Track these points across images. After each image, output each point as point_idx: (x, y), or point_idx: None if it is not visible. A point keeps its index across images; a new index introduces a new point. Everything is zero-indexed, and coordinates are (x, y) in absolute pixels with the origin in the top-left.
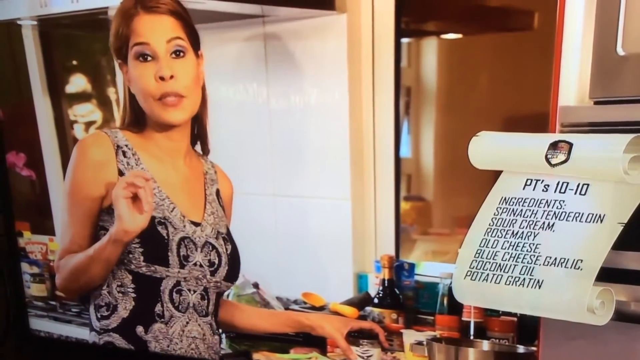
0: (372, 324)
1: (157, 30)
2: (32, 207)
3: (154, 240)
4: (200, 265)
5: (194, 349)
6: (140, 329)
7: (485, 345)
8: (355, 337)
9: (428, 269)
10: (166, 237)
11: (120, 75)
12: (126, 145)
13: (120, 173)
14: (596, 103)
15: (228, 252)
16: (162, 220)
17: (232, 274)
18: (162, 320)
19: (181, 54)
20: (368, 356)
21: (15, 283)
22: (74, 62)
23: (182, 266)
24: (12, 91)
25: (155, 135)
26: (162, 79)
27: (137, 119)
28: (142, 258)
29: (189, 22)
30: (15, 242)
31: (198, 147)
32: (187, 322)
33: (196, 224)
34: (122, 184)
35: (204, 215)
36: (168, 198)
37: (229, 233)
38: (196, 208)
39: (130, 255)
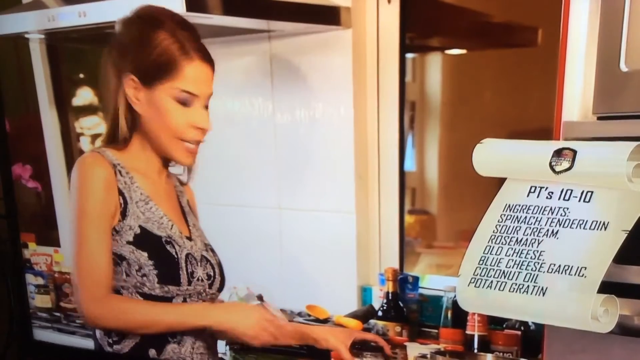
0: (375, 336)
1: (205, 84)
2: (37, 218)
3: (166, 261)
4: (201, 280)
5: None
6: (152, 352)
7: (489, 358)
8: (358, 349)
9: (432, 282)
10: (176, 256)
11: None
12: (119, 164)
13: (120, 192)
14: (599, 118)
15: (217, 262)
16: (169, 240)
17: (223, 283)
18: (175, 340)
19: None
20: None
21: (19, 294)
22: (81, 75)
23: (189, 283)
24: (19, 104)
25: (138, 152)
26: (199, 128)
27: (128, 137)
28: (156, 280)
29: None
30: (20, 253)
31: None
32: (195, 340)
33: (189, 239)
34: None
35: (189, 229)
36: (166, 216)
37: (209, 243)
38: (181, 222)
39: (144, 278)
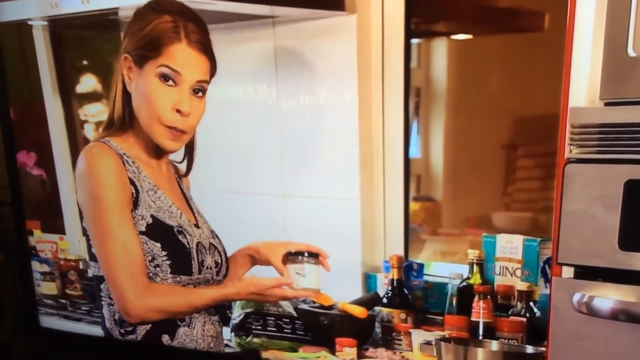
0: (308, 245)
1: (192, 66)
2: (42, 206)
3: (179, 251)
4: (210, 268)
5: (213, 347)
6: (166, 337)
7: (494, 345)
8: (294, 254)
9: (437, 269)
10: (188, 246)
11: None
12: (125, 154)
13: (131, 182)
14: (607, 104)
15: (223, 249)
16: (180, 229)
17: (227, 270)
18: (184, 323)
19: (200, 93)
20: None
21: (25, 281)
22: (84, 62)
23: (199, 272)
24: (23, 91)
25: (137, 139)
26: (179, 112)
27: (124, 119)
28: (169, 270)
29: (215, 63)
30: (26, 240)
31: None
32: (205, 322)
33: (197, 226)
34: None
35: (195, 217)
36: (174, 204)
37: (213, 229)
38: (187, 210)
39: (157, 269)
